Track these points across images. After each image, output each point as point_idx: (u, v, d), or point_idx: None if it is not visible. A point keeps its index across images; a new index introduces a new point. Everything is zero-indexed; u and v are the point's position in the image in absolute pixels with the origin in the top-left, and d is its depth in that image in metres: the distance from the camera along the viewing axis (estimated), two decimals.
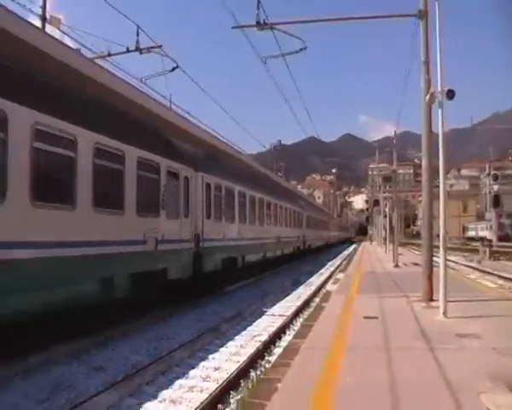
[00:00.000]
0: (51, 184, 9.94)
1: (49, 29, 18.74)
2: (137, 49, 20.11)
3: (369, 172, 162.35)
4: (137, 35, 19.63)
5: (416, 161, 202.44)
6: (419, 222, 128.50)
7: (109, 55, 20.18)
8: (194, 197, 16.69)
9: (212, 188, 18.40)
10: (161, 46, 20.54)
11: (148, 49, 20.45)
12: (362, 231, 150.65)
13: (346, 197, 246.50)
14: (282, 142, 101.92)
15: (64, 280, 9.87)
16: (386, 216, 44.63)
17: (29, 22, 12.56)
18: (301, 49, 17.31)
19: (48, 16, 20.02)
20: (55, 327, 10.24)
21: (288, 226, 36.03)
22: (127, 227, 12.35)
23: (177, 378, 8.79)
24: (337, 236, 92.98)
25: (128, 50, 20.30)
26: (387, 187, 48.39)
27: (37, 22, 19.09)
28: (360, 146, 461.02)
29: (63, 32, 19.28)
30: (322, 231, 63.37)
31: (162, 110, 20.10)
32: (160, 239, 13.88)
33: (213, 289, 19.12)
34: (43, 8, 19.84)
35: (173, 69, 21.93)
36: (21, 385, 8.19)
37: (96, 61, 18.25)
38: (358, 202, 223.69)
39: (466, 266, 34.86)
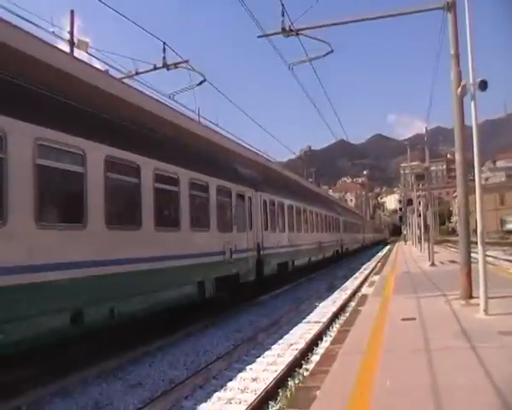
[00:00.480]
0: (167, 215, 13.71)
1: (77, 53, 19.07)
2: (164, 65, 20.34)
3: (401, 172, 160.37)
4: (164, 51, 19.88)
5: (448, 156, 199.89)
6: (454, 218, 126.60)
7: (137, 73, 20.41)
8: (255, 213, 19.80)
9: (268, 204, 21.30)
10: (188, 61, 20.73)
11: (175, 65, 20.65)
12: (396, 232, 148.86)
13: (379, 198, 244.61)
14: (312, 147, 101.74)
15: (174, 284, 12.96)
16: (420, 215, 43.98)
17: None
18: (327, 53, 17.22)
19: (75, 40, 20.38)
20: (92, 345, 10.37)
21: (328, 232, 39.16)
22: (212, 242, 15.54)
23: (215, 391, 8.74)
24: (371, 237, 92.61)
25: (155, 68, 20.51)
26: (420, 185, 47.53)
27: (66, 47, 19.44)
28: (390, 145, 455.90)
29: (91, 55, 19.61)
30: (358, 234, 65.40)
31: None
32: (233, 250, 16.77)
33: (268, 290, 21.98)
34: (71, 33, 20.20)
35: (201, 83, 22.11)
36: (61, 406, 8.24)
37: (125, 80, 18.49)
38: (391, 202, 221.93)
39: (506, 260, 33.95)
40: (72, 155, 9.37)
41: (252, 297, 19.57)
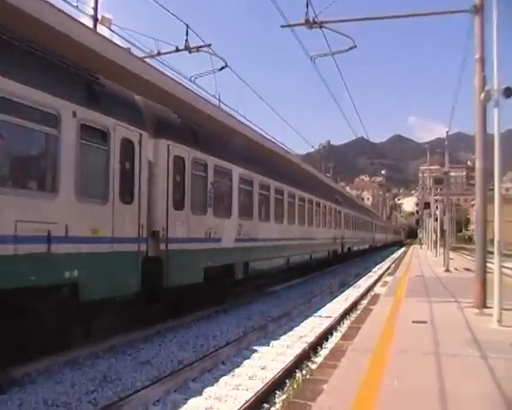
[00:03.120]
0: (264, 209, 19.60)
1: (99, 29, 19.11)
2: (186, 48, 20.30)
3: (420, 174, 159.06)
4: (186, 34, 19.84)
5: (469, 163, 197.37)
6: (471, 226, 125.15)
7: (159, 54, 20.44)
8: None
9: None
10: (210, 45, 20.71)
11: (197, 49, 20.63)
12: (411, 234, 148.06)
13: (396, 199, 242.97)
14: (331, 142, 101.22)
15: (272, 256, 19.94)
16: (437, 219, 43.63)
17: None
18: (350, 48, 17.08)
19: (99, 17, 20.42)
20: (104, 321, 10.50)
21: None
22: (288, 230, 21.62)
23: (223, 376, 8.80)
24: (384, 238, 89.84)
25: (177, 49, 20.51)
26: (438, 189, 47.13)
27: (89, 22, 19.48)
28: (410, 147, 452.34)
29: (113, 32, 19.64)
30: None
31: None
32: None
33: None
34: (95, 9, 20.24)
35: (222, 68, 22.07)
36: (70, 376, 8.37)
37: (146, 59, 18.54)
38: (408, 204, 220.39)
39: None
40: None
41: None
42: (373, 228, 66.78)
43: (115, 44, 14.95)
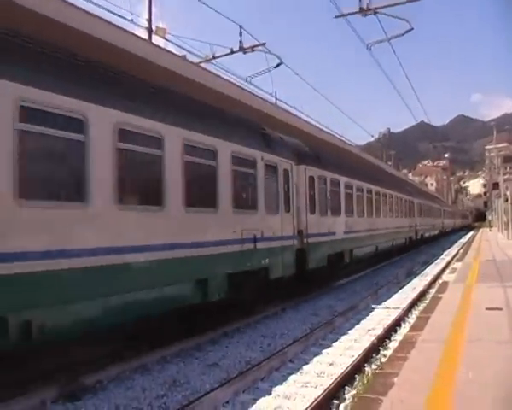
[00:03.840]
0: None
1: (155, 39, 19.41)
2: (241, 49, 20.39)
3: (486, 154, 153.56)
4: (240, 35, 19.93)
5: None
6: None
7: (214, 57, 20.59)
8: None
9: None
10: (265, 44, 20.70)
11: (252, 48, 20.66)
12: (479, 217, 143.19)
13: (461, 182, 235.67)
14: (391, 130, 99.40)
15: (367, 244, 24.15)
16: (507, 199, 41.99)
17: None
18: (407, 31, 16.65)
19: (153, 27, 20.74)
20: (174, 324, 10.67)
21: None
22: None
23: (291, 374, 8.74)
24: (452, 223, 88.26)
25: (232, 51, 20.61)
26: (508, 168, 45.36)
27: (144, 34, 19.83)
28: (474, 127, 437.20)
29: (167, 40, 19.93)
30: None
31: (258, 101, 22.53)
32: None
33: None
34: (149, 20, 20.58)
35: (277, 65, 22.05)
36: (140, 381, 8.50)
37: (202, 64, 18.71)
38: (474, 186, 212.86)
39: None
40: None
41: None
42: (441, 214, 67.72)
43: (172, 53, 15.17)
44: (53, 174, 7.74)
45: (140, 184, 9.42)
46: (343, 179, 21.06)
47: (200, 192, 11.06)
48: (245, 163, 12.80)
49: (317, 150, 19.76)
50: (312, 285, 17.87)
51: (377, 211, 27.59)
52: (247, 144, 12.88)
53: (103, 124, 8.32)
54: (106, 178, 8.25)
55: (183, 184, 10.08)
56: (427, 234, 48.91)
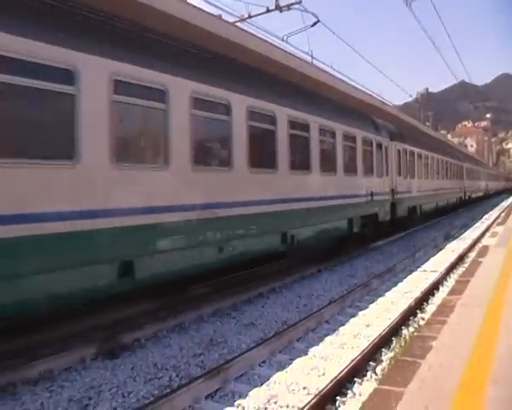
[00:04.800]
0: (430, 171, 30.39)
1: None
2: (277, 7, 19.95)
3: None
4: None
5: None
6: None
7: (250, 16, 20.23)
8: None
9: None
10: (301, 1, 20.20)
11: (288, 7, 20.20)
12: None
13: (503, 144, 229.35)
14: (430, 89, 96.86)
15: (436, 201, 31.59)
16: None
17: None
18: None
19: None
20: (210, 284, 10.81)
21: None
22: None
23: (327, 335, 8.74)
24: (495, 185, 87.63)
25: (268, 10, 20.20)
26: None
27: None
28: None
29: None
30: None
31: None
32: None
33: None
34: None
35: (314, 24, 21.56)
36: (177, 340, 8.64)
37: (237, 24, 18.40)
38: None
39: None
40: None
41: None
42: (486, 177, 72.28)
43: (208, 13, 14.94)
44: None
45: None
46: (416, 150, 26.42)
47: (348, 164, 16.41)
48: (367, 144, 18.36)
49: (400, 129, 25.77)
50: (399, 228, 23.84)
51: (437, 174, 33.00)
52: (368, 131, 18.73)
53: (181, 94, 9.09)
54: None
55: (341, 157, 15.81)
56: (473, 195, 54.76)
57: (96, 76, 7.40)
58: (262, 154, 11.63)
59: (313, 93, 16.58)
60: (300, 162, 13.38)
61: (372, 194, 18.42)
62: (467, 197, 48.34)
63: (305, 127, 13.55)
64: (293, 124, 12.76)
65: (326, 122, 14.78)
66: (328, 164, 14.82)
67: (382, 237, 21.44)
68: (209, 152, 10.21)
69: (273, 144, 11.86)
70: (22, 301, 6.43)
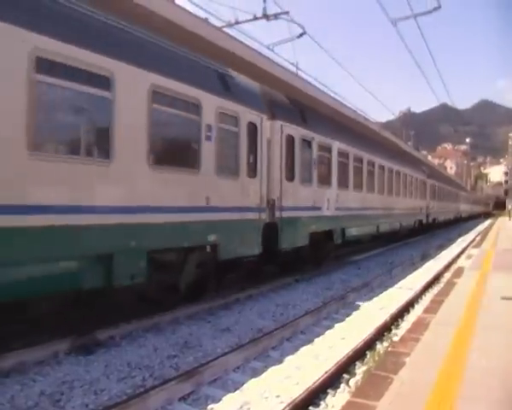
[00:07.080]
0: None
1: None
2: (264, 15, 20.05)
3: (510, 142, 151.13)
4: (264, 2, 19.60)
5: None
6: None
7: (237, 23, 20.30)
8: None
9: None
10: (288, 12, 20.35)
11: (276, 16, 20.33)
12: (499, 206, 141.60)
13: (481, 168, 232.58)
14: (412, 109, 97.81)
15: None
16: None
17: None
18: (435, 9, 16.27)
19: None
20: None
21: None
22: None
23: (303, 345, 8.76)
24: (469, 209, 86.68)
25: (255, 18, 20.30)
26: None
27: None
28: (498, 113, 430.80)
29: (191, 2, 19.66)
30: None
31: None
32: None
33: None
34: None
35: (301, 35, 21.70)
36: (152, 340, 8.63)
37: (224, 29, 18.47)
38: (495, 173, 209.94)
39: None
40: None
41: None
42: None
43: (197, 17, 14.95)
44: None
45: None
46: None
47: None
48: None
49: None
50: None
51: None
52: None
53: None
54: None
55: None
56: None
57: None
58: None
59: None
60: None
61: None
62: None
63: None
64: None
65: None
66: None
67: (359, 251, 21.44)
68: None
69: None
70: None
